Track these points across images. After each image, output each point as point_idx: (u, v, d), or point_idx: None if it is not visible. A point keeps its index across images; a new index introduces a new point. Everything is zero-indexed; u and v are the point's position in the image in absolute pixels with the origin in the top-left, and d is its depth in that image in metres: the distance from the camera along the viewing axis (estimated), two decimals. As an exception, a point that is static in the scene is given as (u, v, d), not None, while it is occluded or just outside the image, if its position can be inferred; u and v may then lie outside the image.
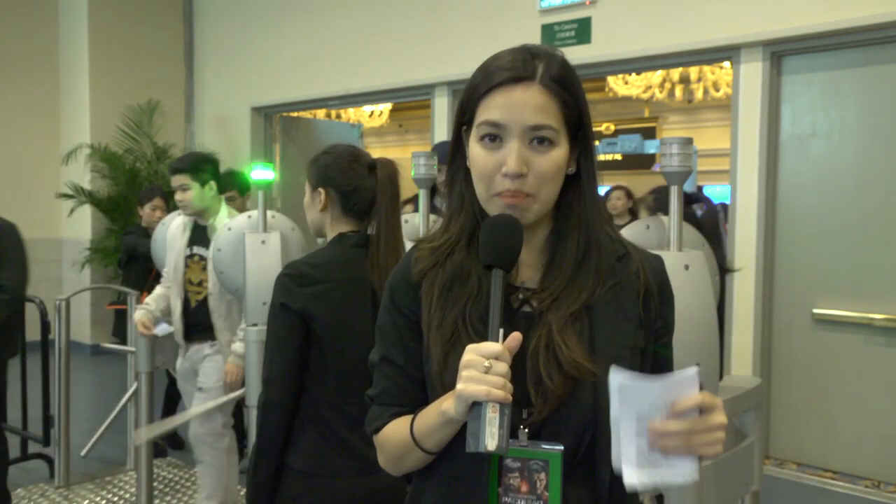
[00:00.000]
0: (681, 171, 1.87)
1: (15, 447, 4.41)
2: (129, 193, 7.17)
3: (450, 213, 1.17)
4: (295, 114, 7.61)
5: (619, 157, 9.34)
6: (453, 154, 1.16)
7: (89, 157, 7.40)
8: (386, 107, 9.80)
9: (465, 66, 5.46)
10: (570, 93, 1.07)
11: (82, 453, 3.96)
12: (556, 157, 1.06)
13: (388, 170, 1.95)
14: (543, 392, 1.04)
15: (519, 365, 1.02)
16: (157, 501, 3.86)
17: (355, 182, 1.97)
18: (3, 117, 7.51)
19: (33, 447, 4.40)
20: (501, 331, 0.98)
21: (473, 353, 0.96)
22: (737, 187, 4.33)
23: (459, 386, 0.95)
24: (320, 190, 1.99)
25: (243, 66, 7.46)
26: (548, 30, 5.15)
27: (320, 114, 8.25)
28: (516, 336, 0.97)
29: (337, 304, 1.85)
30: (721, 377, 1.97)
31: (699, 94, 7.73)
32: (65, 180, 7.52)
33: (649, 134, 9.29)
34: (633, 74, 7.51)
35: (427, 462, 1.11)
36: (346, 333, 1.86)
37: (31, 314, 4.47)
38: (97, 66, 7.56)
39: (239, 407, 3.64)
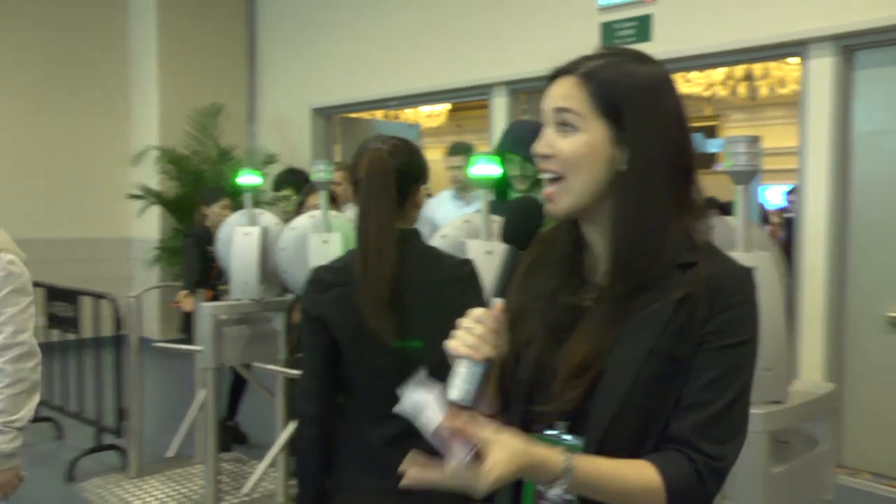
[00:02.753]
0: (748, 170, 1.84)
1: (90, 438, 4.60)
2: (194, 194, 7.36)
3: None
4: (354, 115, 7.70)
5: (679, 155, 9.18)
6: None
7: (157, 158, 7.63)
8: (444, 107, 9.83)
9: (523, 66, 5.47)
10: (606, 85, 1.07)
11: (168, 454, 4.06)
12: (578, 141, 1.08)
13: (363, 160, 1.77)
14: (563, 386, 1.07)
15: (551, 359, 1.09)
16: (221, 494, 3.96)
17: (356, 176, 1.82)
18: (77, 121, 7.81)
19: (108, 438, 4.57)
20: (499, 301, 1.08)
21: (466, 318, 1.06)
22: (805, 187, 4.21)
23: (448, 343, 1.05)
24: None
25: (303, 68, 7.59)
26: (607, 28, 5.10)
27: (379, 115, 8.33)
28: (498, 304, 1.08)
29: (349, 312, 1.71)
30: (790, 381, 1.93)
31: (764, 91, 7.53)
32: (134, 181, 7.77)
33: (710, 133, 9.11)
34: (695, 72, 7.37)
35: None
36: (366, 340, 1.71)
37: (106, 311, 4.64)
38: (166, 71, 7.81)
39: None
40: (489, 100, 5.97)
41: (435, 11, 6.36)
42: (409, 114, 9.87)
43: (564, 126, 1.09)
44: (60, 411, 4.99)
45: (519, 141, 2.89)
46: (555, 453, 0.98)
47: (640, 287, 1.06)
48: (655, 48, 4.81)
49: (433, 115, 10.12)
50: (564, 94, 1.10)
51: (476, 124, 10.70)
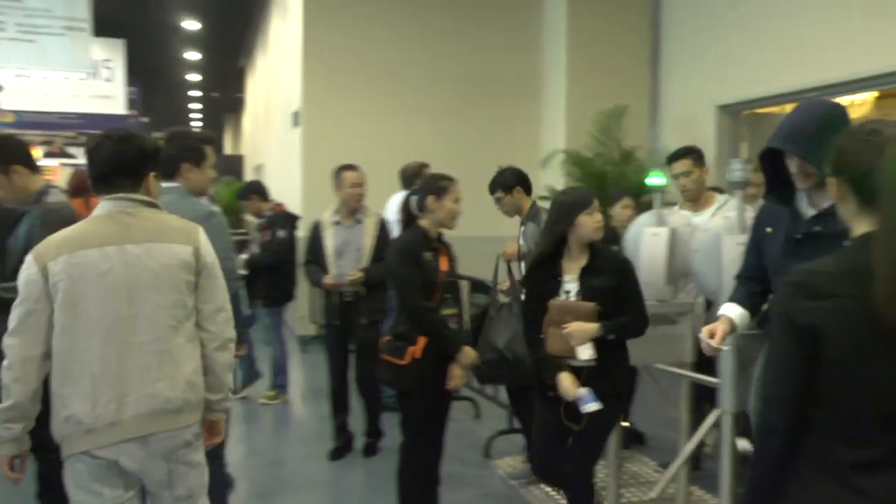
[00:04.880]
0: None
1: (503, 420, 5.04)
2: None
3: None
4: (761, 110, 7.23)
5: None
6: None
7: (563, 161, 8.05)
8: (870, 94, 8.72)
9: None
10: None
11: None
12: None
13: (891, 147, 1.54)
14: None
15: None
16: (622, 491, 4.04)
17: (865, 165, 1.59)
18: (494, 128, 8.62)
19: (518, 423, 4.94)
20: None
21: None
22: None
23: None
24: (833, 179, 1.66)
25: (708, 65, 7.35)
26: None
27: (788, 108, 7.71)
28: None
29: (854, 325, 1.53)
30: None
31: None
32: (543, 184, 8.30)
33: None
34: None
35: None
36: (862, 361, 1.53)
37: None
38: (573, 78, 8.25)
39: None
40: (937, 83, 5.13)
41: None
42: (826, 105, 8.97)
43: None
44: (479, 393, 5.55)
45: (795, 136, 2.37)
46: None
47: None
48: None
49: (855, 104, 9.03)
50: None
51: (913, 112, 9.27)
